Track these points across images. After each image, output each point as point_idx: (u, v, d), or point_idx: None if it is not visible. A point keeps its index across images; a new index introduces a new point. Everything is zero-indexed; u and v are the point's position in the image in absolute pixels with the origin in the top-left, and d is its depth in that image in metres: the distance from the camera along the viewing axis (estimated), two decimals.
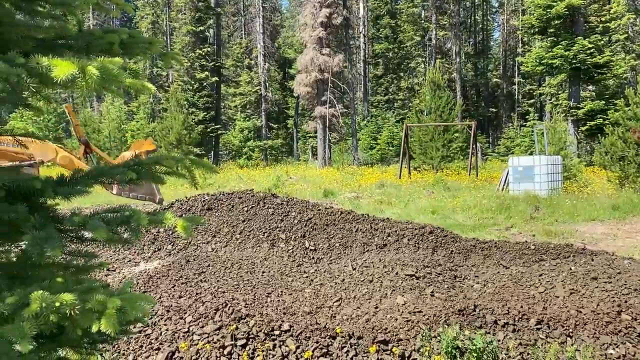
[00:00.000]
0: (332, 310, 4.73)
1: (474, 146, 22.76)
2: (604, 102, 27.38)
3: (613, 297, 4.61)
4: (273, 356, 3.77)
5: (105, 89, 1.76)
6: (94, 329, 1.61)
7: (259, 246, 7.37)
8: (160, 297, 5.02)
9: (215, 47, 41.52)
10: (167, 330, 4.21)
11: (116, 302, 1.65)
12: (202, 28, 39.19)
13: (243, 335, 3.95)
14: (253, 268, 6.22)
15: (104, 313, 1.62)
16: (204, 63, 38.78)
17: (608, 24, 29.30)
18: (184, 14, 40.70)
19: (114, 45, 2.10)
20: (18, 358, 1.61)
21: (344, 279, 5.61)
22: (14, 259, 2.10)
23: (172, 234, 7.73)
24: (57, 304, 1.56)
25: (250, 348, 3.86)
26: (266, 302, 4.83)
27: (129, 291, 1.86)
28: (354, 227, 7.79)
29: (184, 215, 8.22)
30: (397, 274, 5.55)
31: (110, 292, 1.77)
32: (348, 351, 3.86)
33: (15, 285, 1.72)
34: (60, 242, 1.70)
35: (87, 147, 11.44)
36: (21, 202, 1.83)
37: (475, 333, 4.00)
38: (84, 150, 11.29)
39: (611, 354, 3.91)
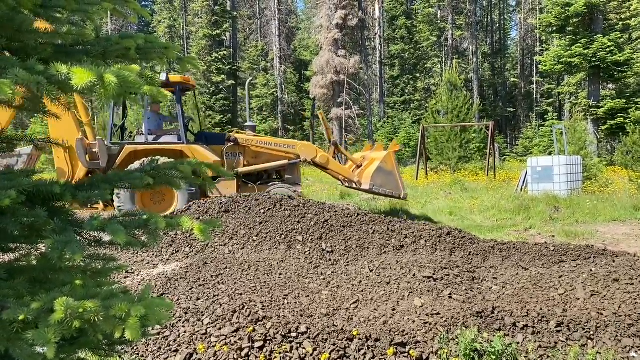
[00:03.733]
0: (349, 312, 4.72)
1: (491, 147, 22.55)
2: (624, 100, 26.97)
3: (635, 299, 4.53)
4: (290, 358, 3.78)
5: (123, 95, 1.79)
6: (117, 335, 1.63)
7: (275, 248, 7.38)
8: (178, 299, 5.06)
9: (231, 50, 41.79)
10: (185, 332, 4.24)
11: (140, 309, 1.66)
12: (218, 32, 39.45)
13: (260, 337, 3.97)
14: (270, 270, 6.23)
15: (127, 320, 1.63)
16: (221, 66, 39.05)
17: (628, 21, 28.88)
18: (201, 17, 41.02)
19: (130, 51, 2.12)
20: None
21: (361, 281, 5.60)
22: (34, 262, 2.13)
23: (189, 236, 7.77)
24: (81, 311, 1.58)
25: (267, 350, 3.87)
26: (283, 304, 4.83)
27: (149, 296, 1.87)
28: (371, 228, 7.77)
29: (201, 217, 8.28)
30: (414, 275, 5.52)
31: (131, 297, 1.78)
32: (365, 353, 3.84)
33: (36, 289, 1.75)
34: (80, 246, 1.73)
35: (336, 148, 12.83)
36: (41, 207, 1.86)
37: (493, 335, 3.96)
38: (333, 151, 12.63)
39: (633, 357, 3.84)
